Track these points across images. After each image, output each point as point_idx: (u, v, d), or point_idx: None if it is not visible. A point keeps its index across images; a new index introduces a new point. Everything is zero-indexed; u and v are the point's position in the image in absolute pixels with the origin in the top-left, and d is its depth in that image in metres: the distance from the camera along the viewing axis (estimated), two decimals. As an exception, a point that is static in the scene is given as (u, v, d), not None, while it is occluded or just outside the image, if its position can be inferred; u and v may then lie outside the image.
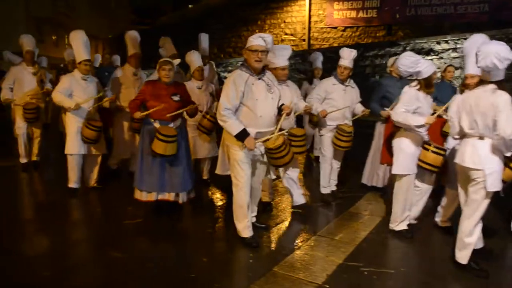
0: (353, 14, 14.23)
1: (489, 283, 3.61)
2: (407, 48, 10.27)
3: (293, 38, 15.27)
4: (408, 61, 4.24)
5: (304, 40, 15.03)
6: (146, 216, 4.95)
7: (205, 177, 6.30)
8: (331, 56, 10.18)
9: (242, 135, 3.87)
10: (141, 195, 4.82)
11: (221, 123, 3.95)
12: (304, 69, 10.56)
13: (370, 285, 3.56)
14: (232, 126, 3.89)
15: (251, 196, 4.23)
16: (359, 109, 5.52)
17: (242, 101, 3.92)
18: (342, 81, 5.35)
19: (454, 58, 9.53)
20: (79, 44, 5.46)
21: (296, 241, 4.36)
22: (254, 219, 4.50)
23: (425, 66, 4.21)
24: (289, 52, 4.97)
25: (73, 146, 5.47)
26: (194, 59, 5.77)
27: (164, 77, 4.79)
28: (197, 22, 16.74)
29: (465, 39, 9.64)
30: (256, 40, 3.89)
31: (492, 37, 9.44)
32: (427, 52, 9.60)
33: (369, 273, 3.71)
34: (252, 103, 3.92)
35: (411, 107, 4.20)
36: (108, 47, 27.29)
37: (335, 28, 14.56)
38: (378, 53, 10.57)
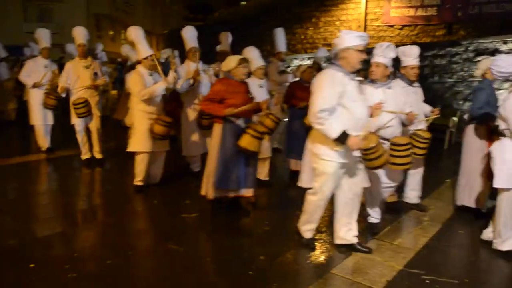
0: (412, 12, 13.81)
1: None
2: (470, 48, 9.83)
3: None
4: (505, 63, 3.97)
5: (359, 38, 14.77)
6: (202, 211, 5.02)
7: (266, 178, 6.09)
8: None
9: (344, 137, 3.52)
10: (220, 192, 4.82)
11: (317, 126, 3.57)
12: (361, 68, 10.33)
13: (433, 294, 3.45)
14: (331, 128, 3.52)
15: (349, 210, 4.02)
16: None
17: (339, 102, 3.60)
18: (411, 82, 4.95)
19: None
20: (140, 39, 5.44)
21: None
22: (356, 239, 4.09)
23: None
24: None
25: (144, 144, 5.42)
26: (255, 56, 5.69)
27: (242, 75, 4.74)
28: (250, 19, 16.80)
29: (534, 39, 9.16)
30: (362, 39, 3.60)
31: None
32: (492, 52, 9.13)
33: (431, 282, 3.59)
34: (352, 105, 3.62)
35: None
36: (163, 42, 27.89)
37: (392, 26, 14.21)
38: (437, 53, 10.20)
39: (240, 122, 4.72)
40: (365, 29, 14.59)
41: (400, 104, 4.40)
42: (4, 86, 10.23)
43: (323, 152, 3.73)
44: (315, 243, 4.18)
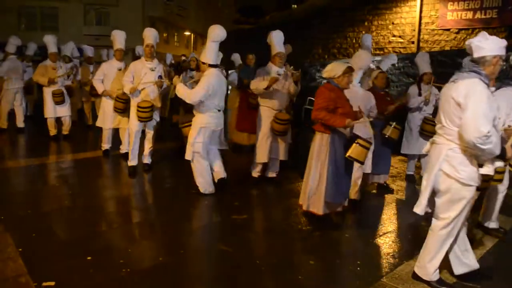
0: (469, 15, 13.30)
1: None
2: (531, 54, 9.39)
3: (401, 40, 14.69)
4: None
5: (413, 42, 14.39)
6: (251, 213, 5.07)
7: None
8: (443, 60, 9.66)
9: (503, 151, 3.36)
10: (330, 207, 4.66)
11: (483, 146, 3.02)
12: (413, 73, 10.11)
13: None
14: (497, 145, 3.10)
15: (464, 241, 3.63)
16: None
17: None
18: None
19: None
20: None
21: (407, 252, 4.20)
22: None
23: None
24: None
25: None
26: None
27: (346, 84, 4.57)
28: (301, 22, 16.76)
29: None
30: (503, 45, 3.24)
31: None
32: None
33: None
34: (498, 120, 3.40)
35: None
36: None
37: (448, 30, 13.75)
38: (499, 58, 9.80)
39: (347, 132, 4.53)
40: (419, 33, 14.22)
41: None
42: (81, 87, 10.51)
43: (468, 176, 3.24)
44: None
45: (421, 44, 14.12)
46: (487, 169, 3.31)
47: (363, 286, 3.54)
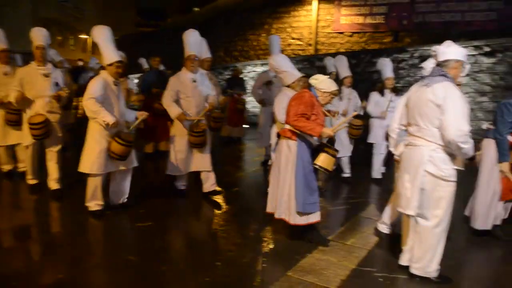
0: (361, 19, 14.26)
1: None
2: (415, 55, 10.30)
3: (300, 42, 15.31)
4: None
5: (310, 45, 15.06)
6: (157, 219, 4.97)
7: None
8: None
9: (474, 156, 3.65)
10: (308, 218, 4.33)
11: (463, 145, 3.31)
12: (311, 74, 10.56)
13: (385, 290, 3.58)
14: (472, 145, 3.41)
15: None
16: None
17: None
18: None
19: (462, 65, 9.55)
20: (107, 42, 4.82)
21: (309, 246, 4.37)
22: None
23: None
24: None
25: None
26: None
27: (325, 104, 4.37)
28: (203, 25, 16.78)
29: (473, 46, 9.72)
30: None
31: (500, 45, 9.52)
32: (435, 59, 9.63)
33: (383, 279, 3.74)
34: None
35: None
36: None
37: (342, 33, 14.60)
38: (386, 59, 10.58)
39: (314, 140, 4.30)
40: (316, 36, 14.91)
41: None
42: None
43: (450, 173, 3.51)
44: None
45: (318, 47, 14.83)
46: (459, 165, 3.65)
47: (270, 282, 3.62)
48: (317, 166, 4.17)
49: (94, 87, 4.65)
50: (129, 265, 3.88)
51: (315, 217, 4.32)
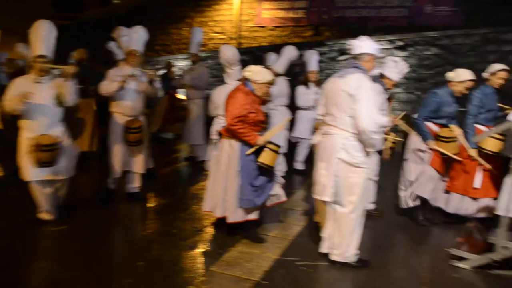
0: (282, 14, 14.43)
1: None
2: (334, 48, 10.62)
3: (222, 36, 15.22)
4: None
5: (233, 38, 15.03)
6: (72, 223, 4.70)
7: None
8: (261, 55, 10.29)
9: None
10: (246, 215, 4.25)
11: (375, 135, 3.55)
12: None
13: (307, 278, 3.64)
14: (382, 139, 3.88)
15: None
16: None
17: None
18: None
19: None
20: (37, 37, 4.42)
21: (232, 239, 4.35)
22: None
23: None
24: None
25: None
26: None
27: (263, 95, 4.26)
28: (123, 18, 16.16)
29: (388, 41, 10.19)
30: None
31: (411, 40, 10.06)
32: (353, 52, 10.02)
33: (306, 267, 3.80)
34: None
35: None
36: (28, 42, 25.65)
37: (264, 27, 14.72)
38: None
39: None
40: (239, 30, 14.92)
41: None
42: None
43: (362, 160, 3.65)
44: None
45: (241, 40, 14.84)
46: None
47: (193, 278, 3.56)
48: (259, 163, 4.11)
49: (11, 88, 4.35)
50: (40, 271, 3.64)
51: (253, 215, 4.29)
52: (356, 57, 3.70)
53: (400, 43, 10.09)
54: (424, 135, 4.74)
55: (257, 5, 14.78)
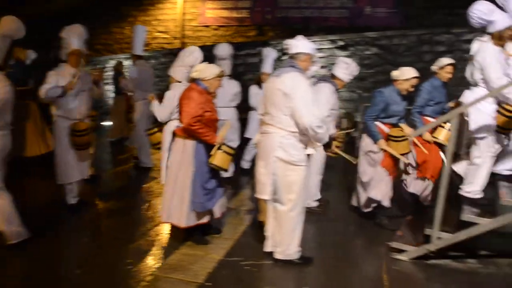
0: (226, 13, 14.40)
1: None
2: (277, 48, 10.70)
3: (166, 36, 14.99)
4: (484, 7, 4.06)
5: (176, 38, 14.85)
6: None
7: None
8: (205, 54, 10.23)
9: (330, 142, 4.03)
10: (198, 219, 4.18)
11: (318, 130, 3.59)
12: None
13: (251, 278, 3.65)
14: (327, 133, 3.83)
15: None
16: None
17: None
18: None
19: (320, 58, 10.21)
20: None
21: (176, 242, 4.29)
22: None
23: (501, 18, 4.04)
24: None
25: None
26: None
27: (216, 89, 4.22)
28: (63, 16, 15.60)
29: (329, 40, 10.42)
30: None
31: (352, 40, 10.34)
32: (296, 52, 10.17)
33: (250, 266, 3.81)
34: None
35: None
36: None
37: (208, 26, 14.64)
38: (250, 52, 10.90)
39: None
40: (182, 29, 14.76)
41: None
42: None
43: (300, 158, 3.69)
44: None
45: (184, 40, 14.67)
46: (310, 150, 3.83)
47: (136, 284, 3.48)
48: (213, 166, 4.04)
49: None
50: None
51: (206, 218, 4.24)
52: (292, 56, 3.74)
53: (341, 43, 10.36)
54: (374, 135, 4.71)
55: (201, 5, 14.67)
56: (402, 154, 4.65)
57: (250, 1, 14.16)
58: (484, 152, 4.28)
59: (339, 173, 6.21)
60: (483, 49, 4.10)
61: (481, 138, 4.25)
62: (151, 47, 14.45)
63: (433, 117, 4.97)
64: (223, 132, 4.16)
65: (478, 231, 3.81)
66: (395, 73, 4.79)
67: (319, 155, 5.01)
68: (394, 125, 4.82)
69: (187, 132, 4.04)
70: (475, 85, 4.28)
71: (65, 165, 4.94)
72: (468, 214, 4.00)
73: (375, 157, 4.80)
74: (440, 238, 3.91)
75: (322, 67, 9.88)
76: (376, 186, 4.80)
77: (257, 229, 4.54)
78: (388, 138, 4.70)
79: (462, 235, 3.85)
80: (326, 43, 10.24)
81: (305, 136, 3.68)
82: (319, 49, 10.67)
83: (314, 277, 3.73)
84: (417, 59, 9.75)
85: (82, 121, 4.96)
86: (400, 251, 4.11)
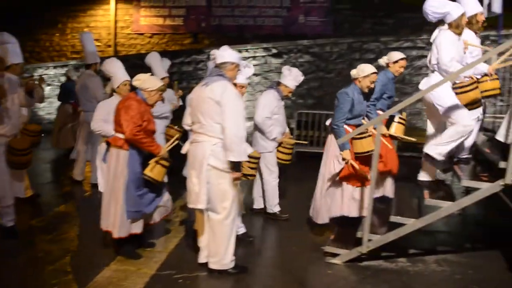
0: (160, 21, 14.20)
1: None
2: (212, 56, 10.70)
3: (98, 43, 14.48)
4: (435, 3, 4.14)
5: (110, 46, 14.45)
6: None
7: None
8: (139, 63, 10.00)
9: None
10: (130, 229, 4.04)
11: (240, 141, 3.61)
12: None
13: (184, 291, 3.56)
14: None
15: None
16: None
17: None
18: None
19: (254, 65, 10.31)
20: None
21: (106, 258, 4.10)
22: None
23: (454, 8, 4.16)
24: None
25: None
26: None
27: (155, 102, 4.15)
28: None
29: (263, 48, 10.53)
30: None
31: (285, 48, 10.54)
32: (230, 60, 10.23)
33: (183, 279, 3.72)
34: None
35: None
36: None
37: (142, 34, 14.37)
38: (184, 60, 10.80)
39: None
40: (115, 37, 14.39)
41: None
42: None
43: (226, 166, 3.64)
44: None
45: (118, 48, 14.31)
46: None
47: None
48: (147, 177, 3.95)
49: None
50: None
51: (138, 229, 4.11)
52: (219, 66, 3.75)
53: (275, 51, 10.51)
54: (343, 144, 4.46)
55: (135, 12, 14.40)
56: (368, 152, 4.40)
57: (185, 9, 14.07)
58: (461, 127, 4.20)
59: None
60: (440, 34, 4.22)
61: (455, 117, 4.18)
62: (82, 55, 13.98)
63: (384, 111, 4.86)
64: (169, 144, 4.16)
65: (405, 231, 3.97)
66: (354, 72, 4.70)
67: (274, 159, 5.16)
68: (357, 126, 4.59)
69: (124, 141, 3.94)
70: (433, 71, 4.35)
71: (1, 188, 4.50)
72: (395, 215, 4.15)
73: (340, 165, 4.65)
74: (371, 240, 4.02)
75: (256, 74, 9.98)
76: (334, 198, 4.73)
77: (191, 240, 4.45)
78: (352, 139, 4.48)
79: (391, 236, 3.99)
80: (260, 51, 10.35)
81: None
82: (253, 57, 10.78)
83: (249, 286, 3.69)
84: (348, 66, 10.08)
85: (24, 137, 4.67)
86: (334, 255, 4.17)
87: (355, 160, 4.49)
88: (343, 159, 4.51)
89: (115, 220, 3.99)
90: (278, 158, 5.26)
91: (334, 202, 4.72)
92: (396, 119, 4.84)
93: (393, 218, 4.13)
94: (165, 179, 4.32)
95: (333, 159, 4.69)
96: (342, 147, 4.48)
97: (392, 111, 4.32)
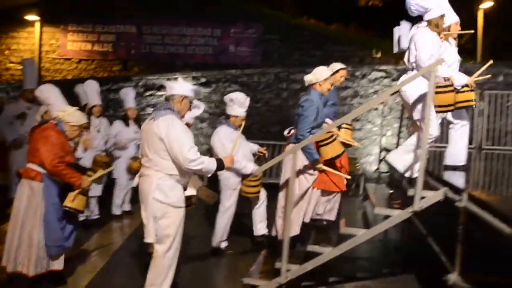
0: (89, 46, 13.90)
1: None
2: (140, 84, 10.54)
3: (21, 67, 13.96)
4: None
5: (33, 70, 13.91)
6: None
7: None
8: (65, 89, 9.67)
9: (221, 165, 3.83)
10: (48, 266, 3.88)
11: (198, 167, 3.52)
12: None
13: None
14: (210, 162, 3.68)
15: None
16: None
17: None
18: None
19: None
20: None
21: None
22: None
23: (436, 7, 4.12)
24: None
25: None
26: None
27: (73, 136, 4.10)
28: None
29: (192, 77, 10.56)
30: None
31: (214, 77, 10.64)
32: (159, 87, 10.18)
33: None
34: None
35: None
36: None
37: (69, 59, 13.97)
38: (111, 88, 10.55)
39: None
40: (40, 61, 13.86)
41: None
42: None
43: (178, 199, 3.62)
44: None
45: (42, 73, 13.79)
46: (190, 191, 3.84)
47: None
48: (67, 208, 3.84)
49: None
50: None
51: (58, 265, 3.96)
52: (168, 98, 3.69)
53: (204, 80, 10.57)
54: (312, 154, 4.34)
55: (61, 36, 14.01)
56: (341, 154, 4.36)
57: (114, 35, 13.88)
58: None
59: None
60: (418, 32, 4.24)
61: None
62: (4, 79, 13.37)
63: (331, 119, 4.94)
64: (95, 176, 4.12)
65: (323, 260, 4.03)
66: (309, 78, 4.53)
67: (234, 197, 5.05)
68: None
69: (36, 172, 3.84)
70: (412, 69, 4.34)
71: None
72: (312, 245, 4.22)
73: (309, 178, 4.56)
74: (289, 270, 4.05)
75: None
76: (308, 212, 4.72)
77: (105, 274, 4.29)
78: (318, 146, 4.37)
79: (309, 265, 4.04)
80: (189, 79, 10.37)
81: (185, 178, 3.68)
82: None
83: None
84: (275, 95, 10.35)
85: None
86: (253, 286, 4.16)
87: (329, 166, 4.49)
88: (315, 169, 4.49)
89: (31, 257, 3.79)
90: (246, 192, 4.96)
91: (309, 207, 4.75)
92: (343, 124, 4.81)
93: (310, 248, 4.21)
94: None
95: (301, 175, 4.53)
96: (312, 158, 4.38)
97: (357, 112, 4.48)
